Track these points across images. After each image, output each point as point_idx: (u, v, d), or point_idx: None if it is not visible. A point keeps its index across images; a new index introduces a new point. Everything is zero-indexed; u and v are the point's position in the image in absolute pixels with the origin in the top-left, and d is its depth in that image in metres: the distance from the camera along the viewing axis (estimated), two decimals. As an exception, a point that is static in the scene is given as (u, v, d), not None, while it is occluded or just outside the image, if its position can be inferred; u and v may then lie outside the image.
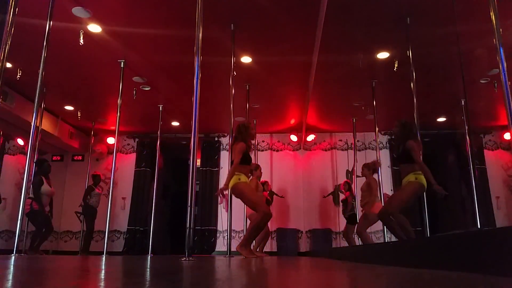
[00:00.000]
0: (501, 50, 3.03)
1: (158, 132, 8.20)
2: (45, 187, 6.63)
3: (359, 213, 6.97)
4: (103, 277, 1.41)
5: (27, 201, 6.35)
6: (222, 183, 9.10)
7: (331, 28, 4.99)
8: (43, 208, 6.53)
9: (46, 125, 7.95)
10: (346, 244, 7.22)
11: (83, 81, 7.00)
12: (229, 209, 5.67)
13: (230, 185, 4.48)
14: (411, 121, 4.67)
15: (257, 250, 6.57)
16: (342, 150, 9.43)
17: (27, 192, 4.43)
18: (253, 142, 4.88)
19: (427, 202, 5.02)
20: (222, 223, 8.95)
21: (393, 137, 8.91)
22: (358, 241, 6.92)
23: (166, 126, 8.75)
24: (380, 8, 4.78)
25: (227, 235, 5.70)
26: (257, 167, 6.55)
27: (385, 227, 6.11)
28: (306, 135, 9.24)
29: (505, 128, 8.41)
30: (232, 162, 4.59)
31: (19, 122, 7.55)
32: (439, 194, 4.14)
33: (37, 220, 6.50)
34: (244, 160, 4.53)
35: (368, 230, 6.57)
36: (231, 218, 5.64)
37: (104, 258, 4.05)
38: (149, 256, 5.93)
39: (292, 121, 8.88)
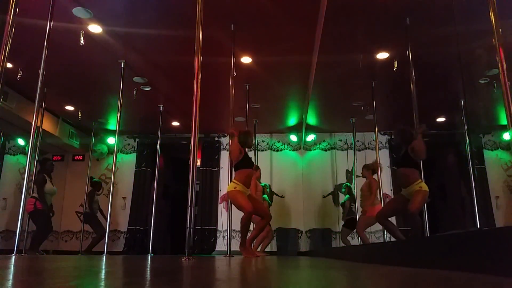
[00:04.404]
0: (501, 50, 3.03)
1: (159, 132, 8.20)
2: (48, 186, 6.60)
3: (358, 214, 6.97)
4: (103, 277, 1.41)
5: (31, 200, 6.33)
6: (222, 183, 9.16)
7: (331, 28, 4.99)
8: (47, 207, 6.51)
9: (47, 125, 7.94)
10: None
11: (84, 81, 7.00)
12: (229, 209, 5.68)
13: (227, 190, 4.61)
14: (408, 127, 4.62)
15: (258, 249, 6.57)
16: (342, 150, 9.42)
17: (29, 192, 4.44)
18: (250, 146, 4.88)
19: (427, 202, 5.02)
20: (222, 223, 8.95)
21: (392, 142, 8.95)
22: (358, 242, 6.93)
23: (166, 126, 8.75)
24: (380, 8, 4.77)
25: (227, 235, 5.71)
26: (257, 168, 6.56)
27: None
28: (306, 135, 9.24)
29: (505, 128, 8.40)
30: (232, 162, 4.63)
31: (19, 122, 7.56)
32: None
33: (39, 220, 6.48)
34: (245, 163, 4.57)
35: (368, 230, 6.57)
36: (231, 218, 5.65)
37: (104, 258, 4.05)
38: (149, 256, 5.93)
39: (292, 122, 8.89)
